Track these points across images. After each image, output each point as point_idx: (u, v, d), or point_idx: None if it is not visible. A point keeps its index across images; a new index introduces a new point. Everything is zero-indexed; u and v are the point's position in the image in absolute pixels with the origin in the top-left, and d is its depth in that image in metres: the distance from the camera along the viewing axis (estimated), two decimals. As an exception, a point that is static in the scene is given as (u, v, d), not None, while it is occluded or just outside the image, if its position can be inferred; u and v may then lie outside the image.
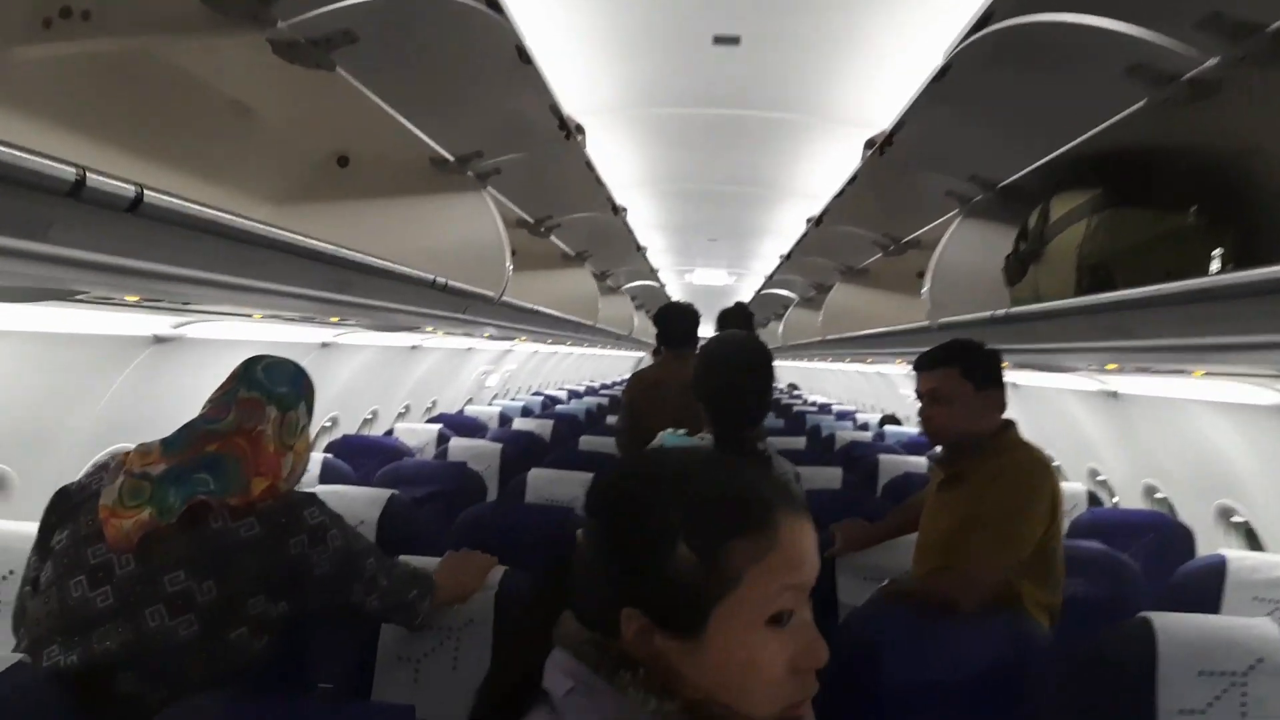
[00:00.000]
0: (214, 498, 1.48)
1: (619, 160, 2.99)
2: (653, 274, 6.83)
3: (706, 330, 4.62)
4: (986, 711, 1.93)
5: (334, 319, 2.57)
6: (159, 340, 2.86)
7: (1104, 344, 1.80)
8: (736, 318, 4.09)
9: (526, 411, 7.08)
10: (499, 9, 1.65)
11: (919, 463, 4.61)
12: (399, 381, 5.66)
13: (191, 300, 1.90)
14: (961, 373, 2.18)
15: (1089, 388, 3.84)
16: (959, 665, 1.96)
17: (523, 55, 1.67)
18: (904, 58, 1.98)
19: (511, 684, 0.83)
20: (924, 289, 2.59)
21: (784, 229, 4.54)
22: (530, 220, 3.70)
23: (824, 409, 9.04)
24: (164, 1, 1.53)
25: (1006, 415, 2.22)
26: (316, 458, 3.55)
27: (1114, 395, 3.79)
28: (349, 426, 4.94)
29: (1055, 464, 2.26)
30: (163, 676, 1.41)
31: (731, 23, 1.86)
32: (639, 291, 8.18)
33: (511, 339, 5.56)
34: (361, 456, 3.98)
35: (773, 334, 8.68)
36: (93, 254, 1.12)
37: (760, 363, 2.07)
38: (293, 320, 2.70)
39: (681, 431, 2.12)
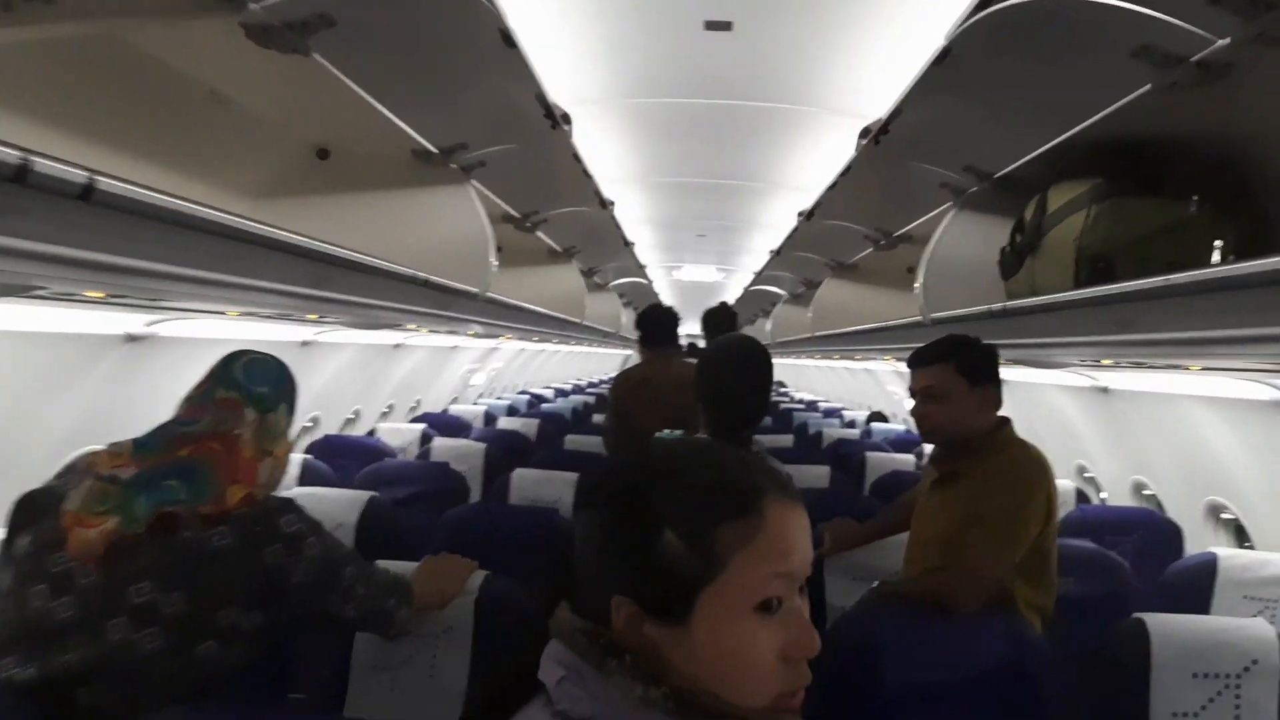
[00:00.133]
0: (184, 508, 1.40)
1: (606, 152, 2.93)
2: (641, 270, 6.77)
3: (691, 329, 4.58)
4: (981, 714, 1.90)
5: (312, 316, 2.49)
6: (132, 339, 2.78)
7: (1104, 338, 1.75)
8: (720, 318, 4.14)
9: (512, 410, 7.01)
10: (481, -10, 1.59)
11: (907, 460, 4.59)
12: (382, 380, 5.58)
13: (160, 297, 1.82)
14: (957, 369, 2.14)
15: (1078, 383, 3.81)
16: (953, 667, 1.93)
17: (507, 39, 1.61)
18: (901, 45, 1.93)
19: (510, 678, 0.82)
20: (917, 283, 2.55)
21: (774, 223, 4.49)
22: (516, 215, 3.64)
23: (811, 406, 9.02)
24: (130, -18, 1.46)
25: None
26: (296, 459, 3.48)
27: (1104, 391, 3.76)
28: (331, 426, 4.86)
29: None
30: (126, 691, 1.35)
31: (723, 8, 1.81)
32: (627, 288, 8.12)
33: (497, 337, 5.49)
34: (343, 457, 3.91)
35: (761, 331, 8.65)
36: (43, 245, 1.05)
37: (761, 365, 2.09)
38: (271, 318, 2.62)
39: (678, 433, 2.06)
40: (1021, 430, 2.18)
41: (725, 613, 0.76)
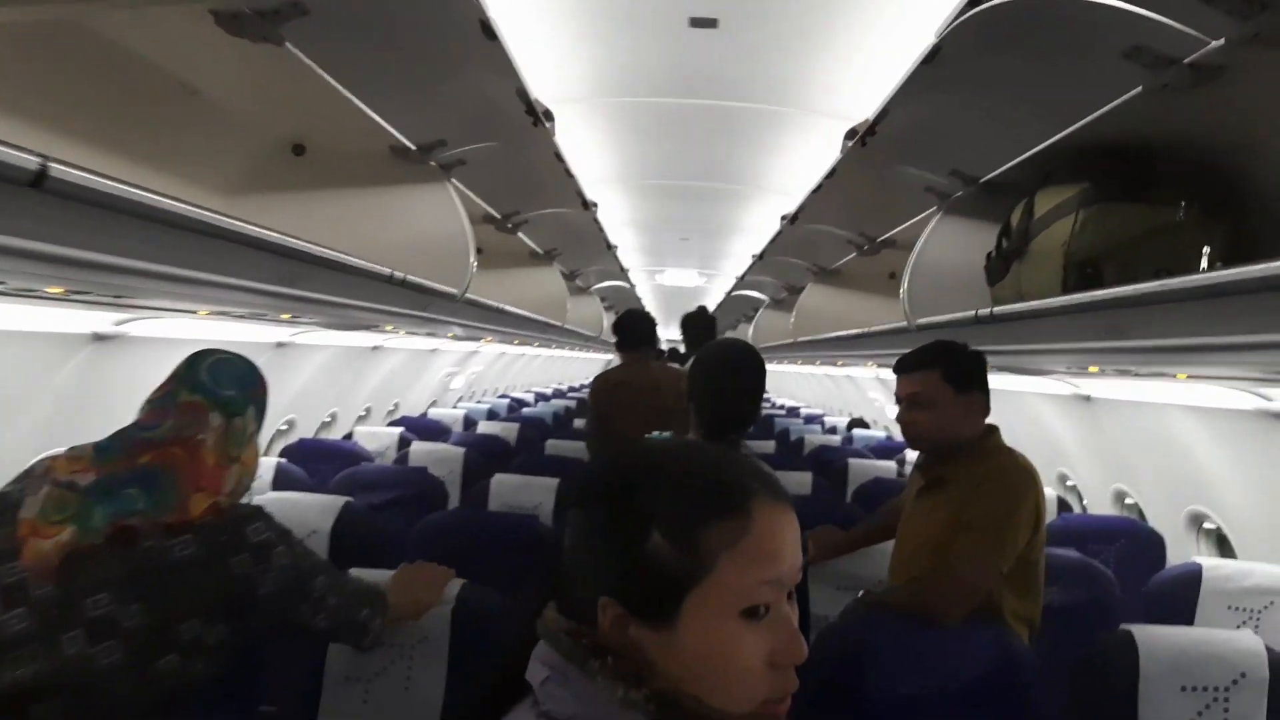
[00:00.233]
0: (144, 519, 1.34)
1: (588, 153, 2.88)
2: (623, 274, 6.73)
3: (673, 334, 4.55)
4: (967, 726, 1.87)
5: (286, 316, 2.43)
6: (99, 338, 2.70)
7: (1093, 345, 1.73)
8: (699, 322, 4.21)
9: (492, 415, 6.95)
10: (460, -22, 1.54)
11: (888, 467, 4.57)
12: (359, 383, 5.50)
13: (124, 294, 1.76)
14: (943, 376, 2.11)
15: (1060, 391, 3.80)
16: (939, 679, 1.90)
17: (488, 31, 1.56)
18: (888, 45, 1.90)
19: (496, 685, 0.82)
20: (902, 288, 2.52)
21: (757, 227, 4.46)
22: (497, 215, 3.58)
23: (792, 412, 9.01)
24: (92, -36, 1.40)
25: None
26: (270, 463, 3.41)
27: (1086, 399, 3.76)
28: (306, 430, 4.77)
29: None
30: (82, 707, 1.28)
31: (709, 4, 1.77)
32: (609, 292, 8.08)
33: (477, 339, 5.43)
34: (318, 461, 3.84)
35: (742, 336, 8.62)
36: (-9, 234, 0.99)
37: (754, 369, 2.11)
38: (245, 318, 2.55)
39: (668, 434, 2.16)
40: (1004, 439, 2.15)
41: (711, 616, 0.75)
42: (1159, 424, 3.37)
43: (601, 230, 4.38)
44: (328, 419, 5.15)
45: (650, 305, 9.76)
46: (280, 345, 3.91)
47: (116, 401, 2.65)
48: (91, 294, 1.67)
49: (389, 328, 3.47)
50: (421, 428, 5.43)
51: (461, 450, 4.01)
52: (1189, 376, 2.06)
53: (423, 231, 2.64)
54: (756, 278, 6.31)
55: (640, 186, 3.78)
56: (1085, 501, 4.18)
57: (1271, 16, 1.15)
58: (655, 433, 2.18)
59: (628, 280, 7.30)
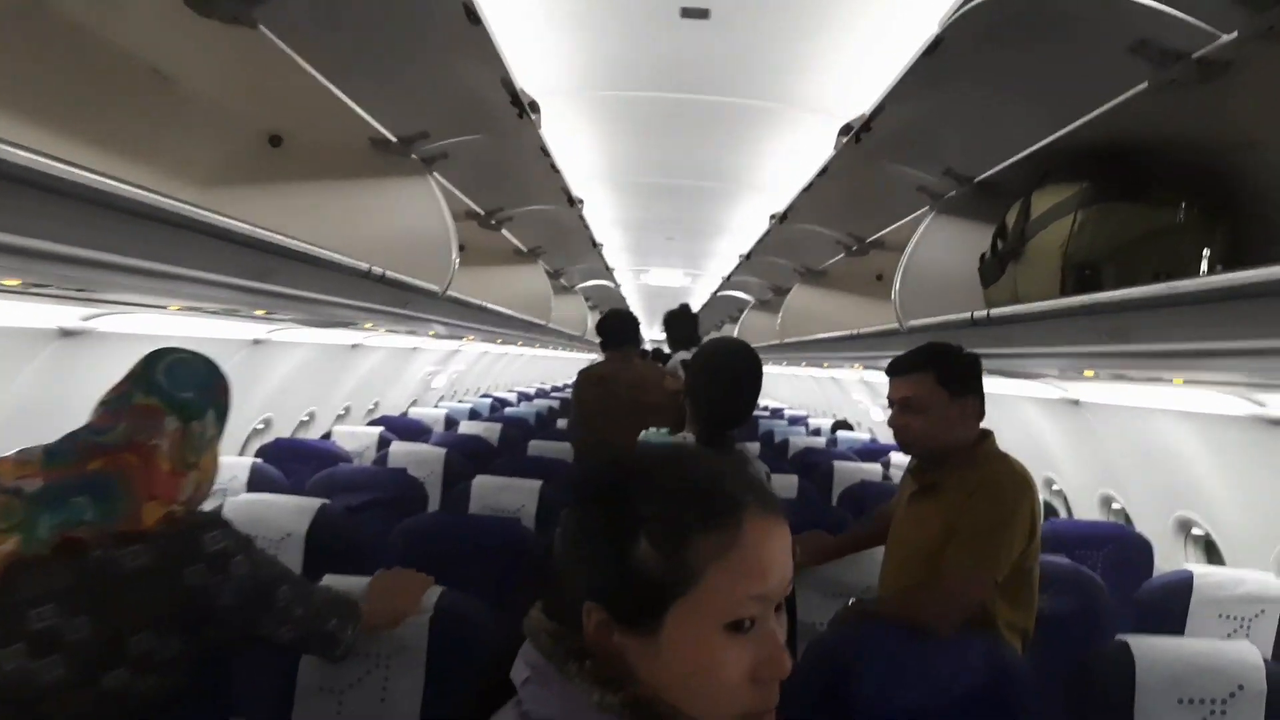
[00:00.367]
0: (90, 530, 1.27)
1: (573, 148, 2.82)
2: (608, 273, 6.66)
3: (657, 334, 4.51)
4: (960, 739, 1.82)
5: (260, 312, 2.35)
6: (66, 334, 2.61)
7: (1092, 349, 1.68)
8: (681, 320, 4.27)
9: (474, 414, 6.86)
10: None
11: (874, 470, 4.54)
12: (339, 381, 5.41)
13: (87, 287, 1.68)
14: (937, 379, 2.07)
15: (1049, 395, 3.78)
16: (932, 691, 1.86)
17: (471, 15, 1.49)
18: (885, 40, 1.85)
19: (490, 679, 0.83)
20: (894, 289, 2.47)
21: (744, 227, 4.41)
22: (480, 212, 3.51)
23: (776, 414, 8.97)
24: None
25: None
26: (245, 463, 3.33)
27: (1074, 403, 3.73)
28: (284, 429, 4.68)
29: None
30: None
31: (701, -7, 1.71)
32: (593, 291, 8.01)
33: (459, 338, 5.35)
34: (295, 461, 3.76)
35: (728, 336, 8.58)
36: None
37: (750, 367, 2.14)
38: (218, 314, 2.47)
39: (664, 430, 2.19)
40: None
41: (695, 627, 0.75)
42: (1148, 429, 3.35)
43: (587, 228, 4.31)
44: (305, 418, 5.06)
45: (635, 305, 9.70)
46: (257, 342, 3.83)
47: (83, 401, 2.57)
48: (51, 287, 1.59)
49: (368, 325, 3.39)
50: (402, 427, 5.35)
51: (442, 451, 3.94)
52: (1186, 381, 2.03)
53: (404, 227, 2.57)
54: (742, 278, 6.27)
55: (626, 184, 3.71)
56: (1070, 507, 4.16)
57: (1285, 11, 1.11)
58: (652, 429, 2.20)
59: (612, 280, 7.23)
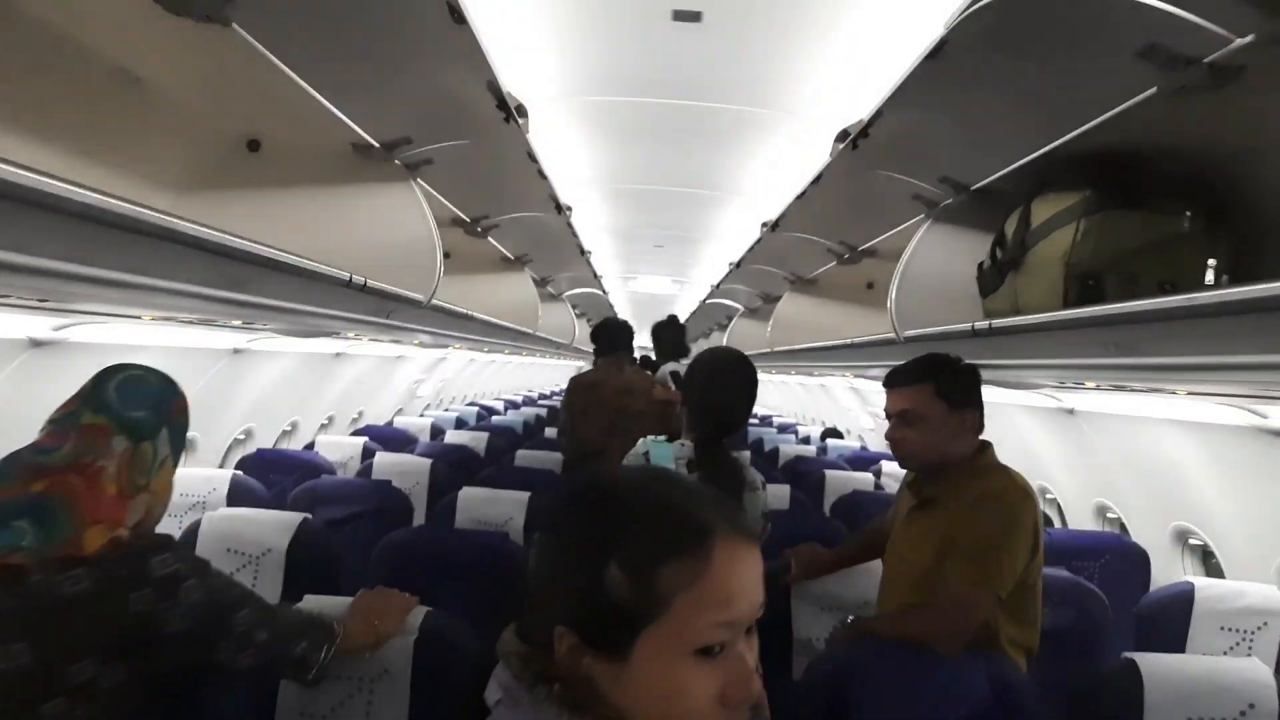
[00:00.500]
0: (28, 556, 1.20)
1: (561, 154, 2.75)
2: (596, 281, 6.59)
3: (644, 341, 4.50)
4: (963, 759, 1.76)
5: (237, 322, 2.27)
6: (36, 344, 2.52)
7: (1097, 361, 1.63)
8: (669, 331, 4.36)
9: (460, 423, 6.77)
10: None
11: (866, 479, 4.50)
12: (322, 390, 5.32)
13: (52, 297, 1.61)
14: (936, 391, 2.02)
15: (1044, 404, 3.74)
16: (936, 712, 1.82)
17: (455, 13, 1.43)
18: (881, 45, 1.80)
19: (468, 699, 0.83)
20: (890, 298, 2.42)
21: (734, 235, 4.36)
22: (466, 219, 3.44)
23: (765, 421, 8.92)
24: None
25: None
26: (225, 475, 3.24)
27: (1069, 412, 3.70)
28: (266, 439, 4.59)
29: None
30: None
31: (693, -5, 1.66)
32: (580, 299, 7.94)
33: (444, 347, 5.27)
34: (277, 473, 3.69)
35: (717, 344, 8.52)
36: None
37: (745, 376, 2.17)
38: (194, 323, 2.39)
39: (662, 438, 2.20)
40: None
41: (665, 654, 0.76)
42: (1144, 438, 3.32)
43: (575, 235, 4.25)
44: (288, 428, 4.97)
45: (622, 312, 9.65)
46: (237, 351, 3.74)
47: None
48: (11, 297, 1.51)
49: (351, 334, 3.32)
50: (386, 437, 5.27)
51: (428, 461, 3.87)
52: (1189, 393, 1.99)
53: (387, 235, 2.50)
54: (731, 286, 6.22)
55: (615, 190, 3.66)
56: (1065, 516, 4.12)
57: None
58: (650, 438, 2.21)
59: (600, 287, 7.17)
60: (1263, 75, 1.31)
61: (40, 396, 2.55)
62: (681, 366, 4.23)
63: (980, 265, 2.22)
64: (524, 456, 4.38)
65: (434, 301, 2.48)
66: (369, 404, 6.41)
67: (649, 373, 4.20)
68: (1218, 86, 1.34)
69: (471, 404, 9.13)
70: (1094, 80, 1.46)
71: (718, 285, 6.39)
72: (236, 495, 3.18)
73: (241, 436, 4.38)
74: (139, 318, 2.16)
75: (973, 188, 2.21)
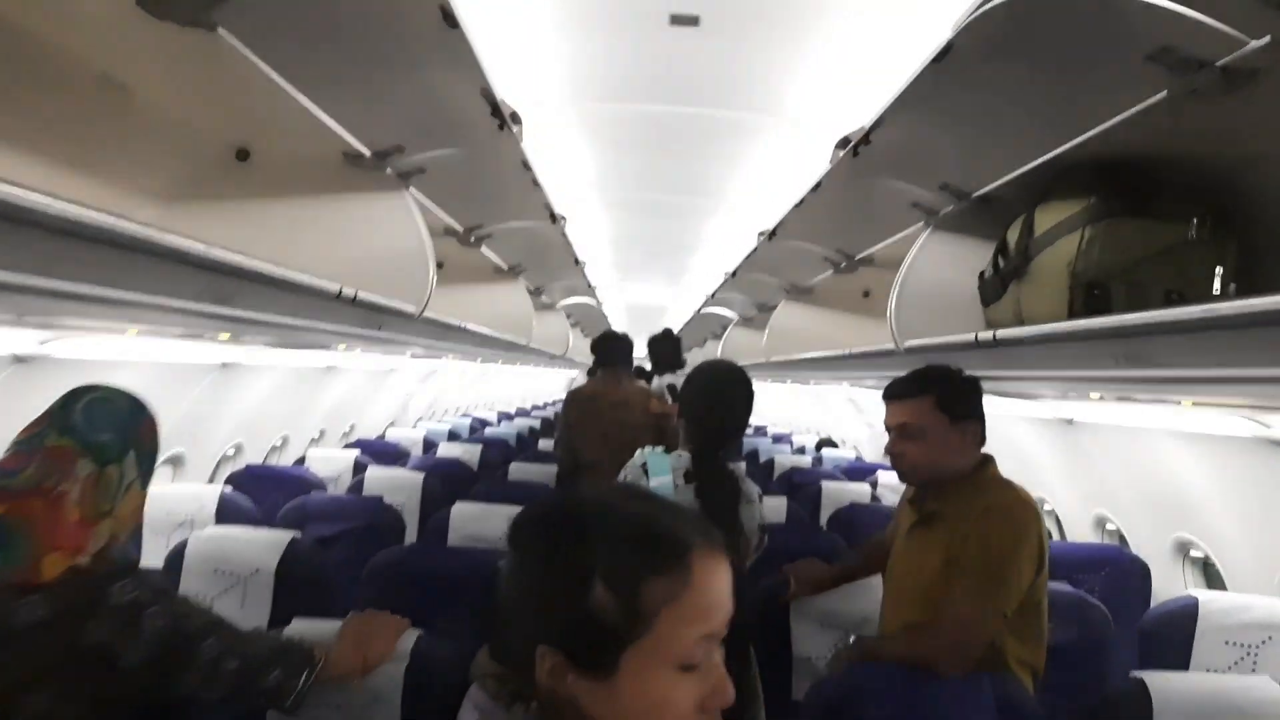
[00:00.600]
0: None
1: (556, 163, 2.72)
2: (590, 290, 6.55)
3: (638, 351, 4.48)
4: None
5: (224, 336, 2.22)
6: (19, 360, 2.47)
7: (1106, 372, 1.59)
8: (665, 343, 4.41)
9: (453, 435, 6.71)
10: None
11: (863, 490, 4.45)
12: (313, 404, 5.26)
13: (29, 312, 1.56)
14: (936, 404, 1.98)
15: (1042, 414, 3.70)
16: (940, 733, 1.75)
17: (448, 17, 1.39)
18: (882, 51, 1.77)
19: None
20: (889, 308, 2.39)
21: (730, 244, 4.33)
22: (459, 229, 3.40)
23: (760, 431, 8.87)
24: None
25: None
26: (213, 491, 3.18)
27: (1068, 422, 3.66)
28: (255, 454, 4.53)
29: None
30: None
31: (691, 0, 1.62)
32: (574, 309, 7.89)
33: (438, 358, 5.22)
34: (266, 489, 3.62)
35: (711, 354, 8.49)
36: None
37: (744, 387, 2.20)
38: (181, 337, 2.34)
39: (660, 449, 2.22)
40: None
41: (650, 669, 0.78)
42: (1144, 449, 3.29)
43: (570, 245, 4.21)
44: (278, 443, 4.91)
45: (616, 322, 9.61)
46: (225, 365, 3.69)
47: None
48: (-11, 313, 1.46)
49: (342, 347, 3.27)
50: (378, 451, 5.20)
51: (420, 476, 3.82)
52: (1195, 403, 1.95)
53: (379, 245, 2.45)
54: (726, 295, 6.18)
55: (608, 201, 3.62)
56: (1064, 528, 4.08)
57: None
58: (648, 449, 2.23)
59: (595, 297, 7.12)
60: (1278, 79, 1.28)
61: (24, 413, 2.50)
62: (678, 379, 4.21)
63: (981, 274, 2.19)
64: (518, 470, 4.33)
65: (426, 313, 2.43)
66: (361, 417, 6.35)
67: (647, 386, 4.17)
68: (1230, 90, 1.31)
69: (465, 416, 9.07)
70: (1102, 84, 1.43)
71: (713, 295, 6.36)
72: (225, 512, 3.12)
73: (231, 452, 4.32)
74: (124, 332, 2.10)
75: (974, 195, 2.18)
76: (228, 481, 3.62)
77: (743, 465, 5.24)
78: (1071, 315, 1.75)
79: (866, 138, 1.84)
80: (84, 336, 2.36)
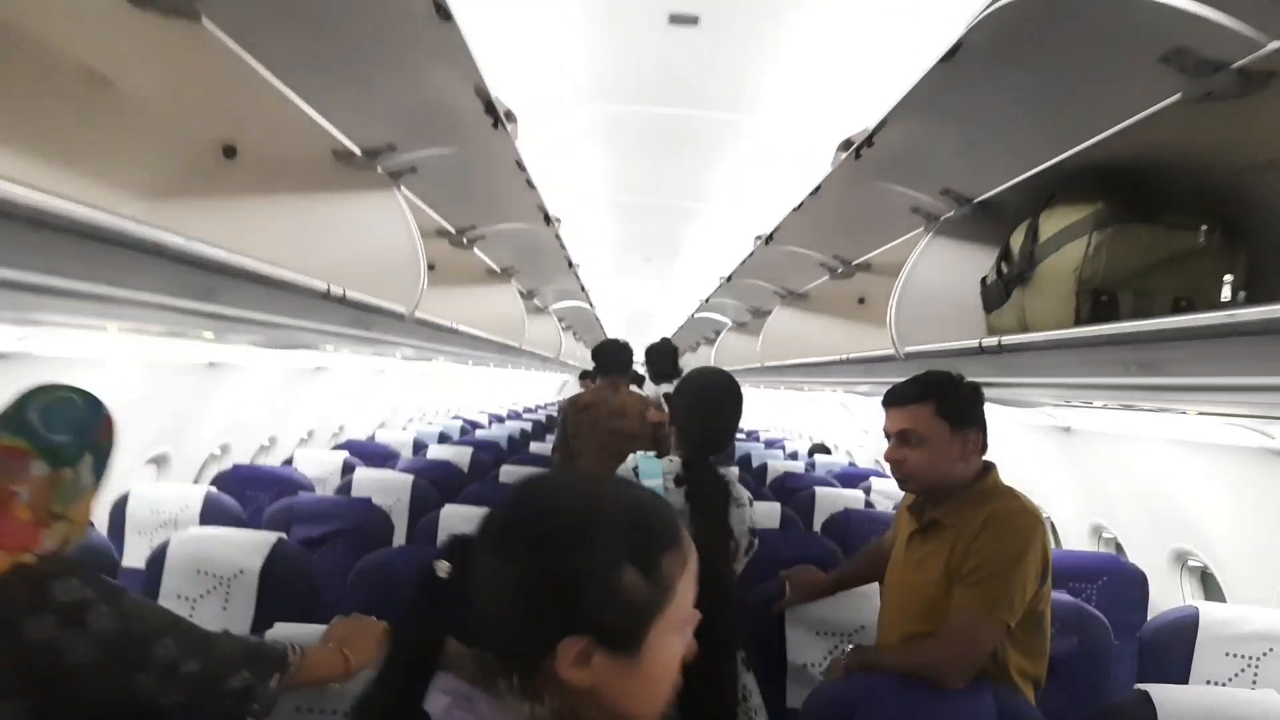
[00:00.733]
0: None
1: (550, 163, 2.67)
2: (583, 294, 6.50)
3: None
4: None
5: (208, 335, 2.17)
6: (-1, 356, 2.41)
7: (1112, 380, 1.56)
8: (662, 352, 4.46)
9: (443, 438, 6.65)
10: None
11: (856, 497, 4.42)
12: (302, 404, 5.20)
13: (8, 308, 1.50)
14: (937, 410, 1.95)
15: (1038, 421, 3.67)
16: (940, 747, 1.71)
17: (441, 10, 1.35)
18: (886, 51, 1.73)
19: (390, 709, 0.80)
20: (890, 314, 2.35)
21: (724, 248, 4.29)
22: (451, 230, 3.34)
23: (752, 436, 8.85)
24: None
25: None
26: (198, 491, 3.13)
27: (1066, 430, 3.64)
28: (243, 455, 4.46)
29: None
30: None
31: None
32: (567, 312, 7.84)
33: (428, 360, 5.17)
34: (253, 490, 3.58)
35: (704, 359, 8.45)
36: None
37: (733, 397, 2.24)
38: (161, 335, 2.29)
39: (651, 454, 2.26)
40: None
41: (668, 636, 0.83)
42: (1142, 457, 3.26)
43: (563, 247, 4.17)
44: (266, 443, 4.85)
45: (608, 327, 9.56)
46: (213, 365, 3.63)
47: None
48: (-39, 308, 1.41)
49: (330, 347, 3.21)
50: (367, 452, 5.15)
51: (409, 477, 3.77)
52: (1200, 412, 1.92)
53: (369, 245, 2.40)
54: (720, 299, 6.15)
55: (603, 202, 3.58)
56: (1059, 537, 4.05)
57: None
58: (639, 454, 2.26)
59: (588, 300, 7.08)
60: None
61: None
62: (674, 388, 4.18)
63: (984, 280, 2.15)
64: (509, 472, 4.28)
65: (417, 314, 2.38)
66: (351, 418, 6.29)
67: (645, 395, 4.15)
68: (1247, 93, 1.27)
69: (455, 418, 9.01)
70: (1114, 86, 1.39)
71: (706, 300, 6.32)
72: (210, 513, 3.07)
73: (218, 452, 4.26)
74: (104, 329, 2.05)
75: (976, 200, 2.14)
76: (213, 482, 3.57)
77: (736, 470, 5.21)
78: (1078, 322, 1.71)
79: (870, 139, 1.80)
80: (63, 333, 2.30)
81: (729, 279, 4.86)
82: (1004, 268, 2.00)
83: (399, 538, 3.40)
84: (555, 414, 10.59)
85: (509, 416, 9.91)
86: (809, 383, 5.21)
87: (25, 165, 1.67)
